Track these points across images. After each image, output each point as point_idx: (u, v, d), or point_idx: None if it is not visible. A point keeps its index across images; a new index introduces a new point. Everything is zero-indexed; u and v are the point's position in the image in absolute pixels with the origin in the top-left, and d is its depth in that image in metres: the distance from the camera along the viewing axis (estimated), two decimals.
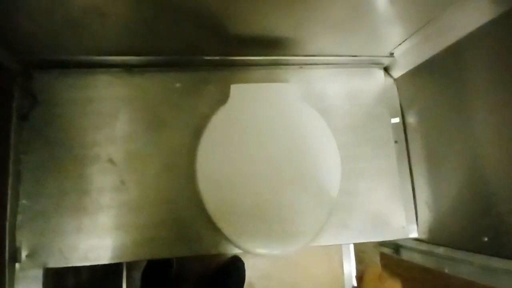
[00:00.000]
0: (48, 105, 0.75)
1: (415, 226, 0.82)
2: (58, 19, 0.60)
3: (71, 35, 0.66)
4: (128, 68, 0.78)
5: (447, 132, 0.72)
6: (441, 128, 0.74)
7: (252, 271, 1.16)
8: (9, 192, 0.68)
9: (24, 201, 0.70)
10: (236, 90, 0.74)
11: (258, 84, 0.77)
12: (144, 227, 0.72)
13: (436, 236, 0.77)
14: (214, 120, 0.72)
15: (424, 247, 0.79)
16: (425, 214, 0.80)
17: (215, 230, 0.67)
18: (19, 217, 0.70)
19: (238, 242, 0.66)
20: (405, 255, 0.85)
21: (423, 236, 0.81)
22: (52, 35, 0.66)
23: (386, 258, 0.95)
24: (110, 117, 0.76)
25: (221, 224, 0.66)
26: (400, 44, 0.79)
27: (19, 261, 0.68)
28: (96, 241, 0.70)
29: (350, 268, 1.16)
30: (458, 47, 0.68)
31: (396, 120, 0.86)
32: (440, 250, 0.74)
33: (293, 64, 0.85)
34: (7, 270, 0.66)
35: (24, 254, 0.68)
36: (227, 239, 0.66)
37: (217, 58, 0.79)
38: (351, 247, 1.18)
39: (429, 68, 0.77)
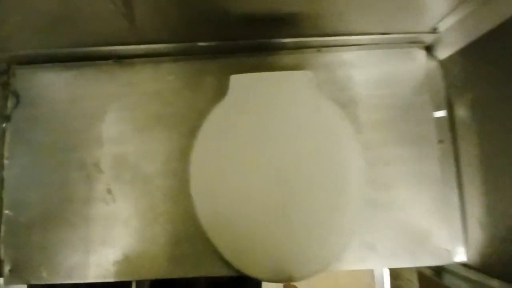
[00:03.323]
0: (31, 105, 0.70)
1: (462, 248, 0.67)
2: (38, 13, 0.56)
3: (51, 27, 0.61)
4: (115, 59, 0.70)
5: (510, 129, 0.57)
6: (501, 124, 0.59)
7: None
8: None
9: (7, 211, 0.66)
10: (237, 81, 0.63)
11: (263, 74, 0.64)
12: (133, 243, 0.65)
13: (490, 264, 0.62)
14: (210, 118, 0.61)
15: (472, 275, 0.64)
16: (476, 234, 0.65)
17: (215, 248, 0.58)
18: (3, 228, 0.66)
19: (237, 265, 0.57)
20: (448, 281, 0.70)
21: (473, 262, 0.66)
22: (33, 28, 0.61)
23: (425, 279, 0.80)
24: (96, 117, 0.70)
25: (218, 243, 0.57)
26: (446, 17, 0.64)
27: (2, 276, 0.64)
28: (80, 257, 0.65)
29: (382, 282, 1.03)
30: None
31: (441, 113, 0.71)
32: (494, 283, 0.59)
33: (310, 47, 0.72)
34: None
35: (7, 268, 0.64)
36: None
37: (215, 43, 0.68)
38: None
39: (485, 46, 0.62)
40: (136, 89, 0.70)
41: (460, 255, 0.67)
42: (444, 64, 0.72)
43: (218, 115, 0.61)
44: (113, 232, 0.65)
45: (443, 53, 0.71)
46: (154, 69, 0.70)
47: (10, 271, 0.64)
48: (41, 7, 0.54)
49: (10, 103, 0.69)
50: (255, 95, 0.62)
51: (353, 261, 0.65)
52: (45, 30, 0.62)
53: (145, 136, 0.68)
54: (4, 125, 0.68)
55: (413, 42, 0.72)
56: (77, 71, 0.70)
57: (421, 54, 0.72)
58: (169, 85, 0.70)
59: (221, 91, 0.63)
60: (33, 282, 0.64)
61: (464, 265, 0.67)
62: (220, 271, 0.64)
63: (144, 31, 0.62)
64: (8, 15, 0.56)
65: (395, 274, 0.98)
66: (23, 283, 0.64)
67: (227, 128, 0.61)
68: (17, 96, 0.69)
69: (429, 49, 0.73)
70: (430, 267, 0.76)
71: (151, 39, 0.65)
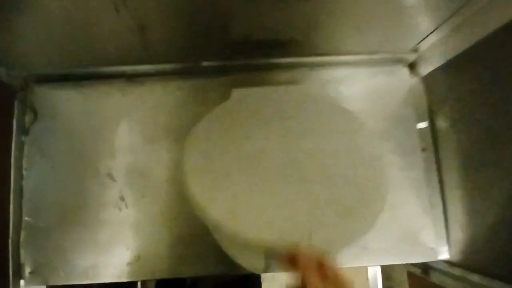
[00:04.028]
0: (48, 118, 0.74)
1: (446, 247, 0.72)
2: (54, 35, 0.59)
3: (68, 49, 0.64)
4: (126, 77, 0.75)
5: (487, 137, 0.61)
6: (479, 132, 0.63)
7: (270, 283, 1.11)
8: (12, 208, 0.68)
9: (26, 218, 0.70)
10: (239, 94, 0.67)
11: (265, 87, 0.69)
12: (145, 245, 0.70)
13: (471, 261, 0.66)
14: (207, 118, 0.63)
15: (456, 271, 0.69)
16: (457, 234, 0.69)
17: (220, 249, 0.63)
18: (23, 234, 0.70)
19: (234, 228, 0.48)
20: (435, 278, 0.75)
21: (456, 259, 0.70)
22: (49, 50, 0.65)
23: (414, 278, 0.85)
24: (109, 130, 0.74)
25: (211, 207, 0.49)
26: (426, 37, 0.68)
27: (23, 278, 0.68)
28: (95, 258, 0.69)
29: (376, 283, 1.07)
30: (498, 38, 0.56)
31: (424, 124, 0.76)
32: (475, 277, 0.63)
33: (302, 66, 0.77)
34: (11, 286, 0.67)
35: (27, 271, 0.68)
36: (232, 259, 0.62)
37: (217, 63, 0.73)
38: None
39: (463, 63, 0.66)
40: (146, 103, 0.75)
41: (444, 253, 0.71)
42: (426, 80, 0.77)
43: (215, 115, 0.63)
44: (126, 235, 0.69)
45: (424, 70, 0.76)
46: (163, 86, 0.75)
47: (30, 273, 0.68)
48: (59, 31, 0.58)
49: (28, 118, 0.74)
50: (257, 102, 0.65)
51: (348, 260, 0.70)
52: (62, 52, 0.66)
53: (154, 147, 0.73)
54: (22, 138, 0.73)
55: (397, 61, 0.77)
56: (91, 88, 0.75)
57: (404, 71, 0.77)
58: (176, 100, 0.75)
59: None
60: (52, 283, 0.68)
61: (448, 262, 0.71)
62: (225, 270, 0.69)
63: (155, 53, 0.67)
64: (25, 36, 0.59)
65: (387, 275, 1.02)
66: (42, 284, 0.68)
67: (225, 126, 0.61)
68: (34, 111, 0.74)
69: (412, 66, 0.78)
70: (418, 267, 0.81)
71: (160, 60, 0.70)
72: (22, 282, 0.68)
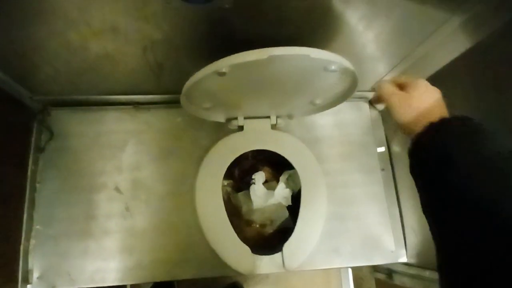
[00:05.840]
0: (62, 138, 0.83)
1: (404, 251, 0.85)
2: (74, 66, 0.68)
3: (85, 78, 0.74)
4: (135, 105, 0.87)
5: None
6: None
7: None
8: (25, 218, 0.75)
9: (37, 226, 0.77)
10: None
11: None
12: (147, 251, 0.78)
13: (424, 260, 0.80)
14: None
15: (413, 271, 0.82)
16: (412, 239, 0.84)
17: (213, 254, 0.72)
18: (32, 241, 0.76)
19: None
20: (397, 280, 0.88)
21: (412, 260, 0.84)
22: (68, 78, 0.74)
23: (381, 283, 0.97)
24: (117, 149, 0.84)
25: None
26: (381, 79, 0.86)
27: (31, 283, 0.74)
28: (101, 264, 0.76)
29: None
30: (434, 80, 0.73)
31: (382, 149, 0.92)
32: (426, 273, 0.77)
33: None
34: None
35: (35, 275, 0.74)
36: (224, 261, 0.71)
37: None
38: (350, 272, 1.20)
39: None
40: (151, 127, 0.86)
41: (403, 257, 0.84)
42: (382, 114, 0.94)
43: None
44: (130, 242, 0.77)
45: (380, 105, 0.93)
46: (166, 113, 0.87)
47: (38, 277, 0.74)
48: (80, 62, 0.66)
49: (44, 137, 0.82)
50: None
51: (322, 262, 0.81)
52: (82, 82, 0.75)
53: (158, 165, 0.84)
54: (38, 154, 0.81)
55: (359, 98, 0.94)
56: (102, 112, 0.86)
57: (365, 106, 0.95)
58: (178, 125, 0.87)
59: (218, 130, 0.83)
60: (59, 287, 0.73)
61: (406, 264, 0.84)
62: (218, 272, 0.77)
63: (164, 85, 0.79)
64: (48, 67, 0.67)
65: (358, 285, 1.13)
66: None
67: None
68: (51, 131, 0.83)
69: (371, 102, 0.95)
70: (383, 272, 0.94)
71: (167, 91, 0.82)
72: (29, 286, 0.74)
